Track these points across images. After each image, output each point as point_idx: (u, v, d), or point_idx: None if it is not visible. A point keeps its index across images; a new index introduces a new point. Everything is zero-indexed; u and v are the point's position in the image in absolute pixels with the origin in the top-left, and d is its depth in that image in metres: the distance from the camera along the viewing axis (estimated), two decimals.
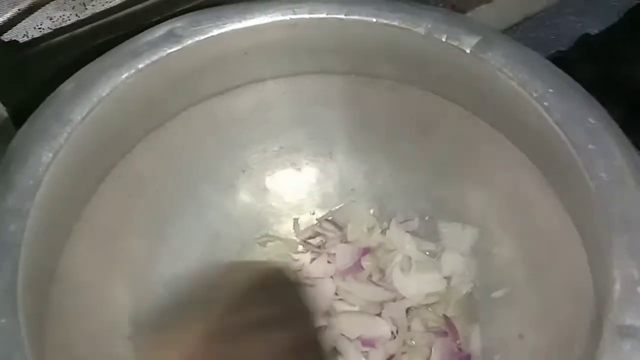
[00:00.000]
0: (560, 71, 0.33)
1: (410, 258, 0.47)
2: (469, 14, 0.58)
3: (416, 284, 0.46)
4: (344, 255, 0.48)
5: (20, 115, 0.35)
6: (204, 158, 0.47)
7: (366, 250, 0.48)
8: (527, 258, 0.42)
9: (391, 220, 0.48)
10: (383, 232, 0.49)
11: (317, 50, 0.41)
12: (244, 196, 0.50)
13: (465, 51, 0.35)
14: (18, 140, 0.32)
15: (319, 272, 0.48)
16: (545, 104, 0.32)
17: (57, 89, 0.34)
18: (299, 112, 0.48)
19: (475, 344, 0.43)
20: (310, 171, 0.51)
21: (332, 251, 0.49)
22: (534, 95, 0.33)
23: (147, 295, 0.42)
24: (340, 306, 0.47)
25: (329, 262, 0.49)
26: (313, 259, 0.49)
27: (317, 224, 0.51)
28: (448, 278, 0.46)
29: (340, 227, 0.50)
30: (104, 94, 0.34)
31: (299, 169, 0.51)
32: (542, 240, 0.41)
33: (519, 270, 0.43)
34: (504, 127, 0.38)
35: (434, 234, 0.48)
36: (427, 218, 0.48)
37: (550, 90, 0.32)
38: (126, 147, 0.40)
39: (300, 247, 0.50)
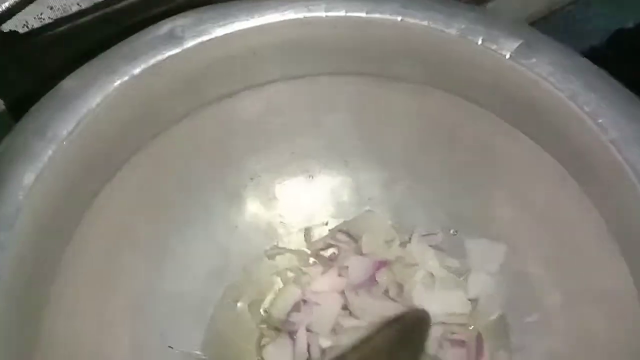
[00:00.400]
0: (614, 81, 0.29)
1: (432, 275, 0.44)
2: (489, 5, 0.54)
3: (440, 303, 0.42)
4: (357, 267, 0.44)
5: (19, 108, 0.32)
6: (208, 166, 0.43)
7: (382, 264, 0.45)
8: (562, 280, 0.38)
9: (412, 232, 0.44)
10: (402, 245, 0.45)
11: (333, 51, 0.37)
12: (252, 206, 0.46)
13: (504, 56, 0.31)
14: None
15: (327, 287, 0.45)
16: (600, 120, 0.28)
17: (38, 103, 0.30)
18: (312, 116, 0.44)
19: None
20: (324, 179, 0.47)
21: (345, 264, 0.45)
22: (586, 109, 0.28)
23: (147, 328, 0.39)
24: (348, 322, 0.43)
25: (340, 275, 0.45)
26: (324, 272, 0.46)
27: (329, 235, 0.47)
28: (475, 300, 0.42)
29: (355, 239, 0.46)
30: (93, 105, 0.30)
31: (311, 177, 0.47)
32: (581, 263, 0.37)
33: (554, 293, 0.39)
34: (544, 140, 0.34)
35: (459, 250, 0.44)
36: (451, 232, 0.44)
37: (604, 105, 0.28)
38: (122, 159, 0.37)
39: (312, 260, 0.47)
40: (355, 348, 0.37)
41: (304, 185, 0.47)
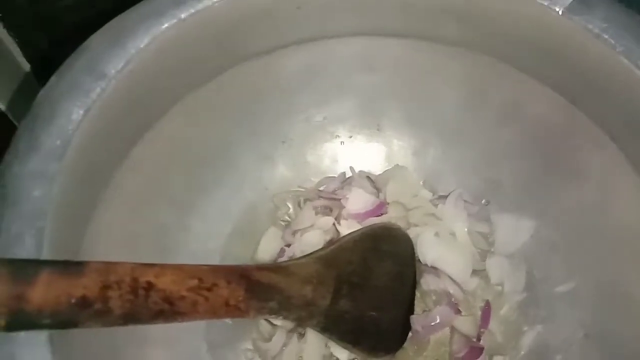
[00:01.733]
0: None
1: (454, 235, 0.43)
2: None
3: (443, 260, 0.41)
4: (357, 199, 0.43)
5: (44, 70, 0.31)
6: (241, 126, 0.43)
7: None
8: (599, 250, 0.38)
9: (448, 195, 0.44)
10: (433, 203, 0.44)
11: (378, 8, 0.37)
12: (283, 169, 0.46)
13: (555, 11, 0.30)
14: (45, 95, 0.28)
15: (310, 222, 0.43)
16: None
17: (88, 40, 0.30)
18: (348, 78, 0.43)
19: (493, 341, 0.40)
20: (355, 145, 0.47)
21: (347, 195, 0.43)
22: None
23: None
24: None
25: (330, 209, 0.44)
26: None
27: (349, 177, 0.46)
28: (499, 284, 0.42)
29: (379, 190, 0.45)
30: (142, 45, 0.30)
31: (343, 142, 0.47)
32: (619, 233, 0.36)
33: (589, 263, 0.38)
34: (589, 104, 0.34)
35: (486, 222, 0.43)
36: (483, 202, 0.44)
37: None
38: (161, 109, 0.36)
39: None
40: (323, 248, 0.38)
41: (335, 151, 0.47)
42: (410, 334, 0.40)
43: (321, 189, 0.46)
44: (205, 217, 0.43)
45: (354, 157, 0.47)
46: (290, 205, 0.46)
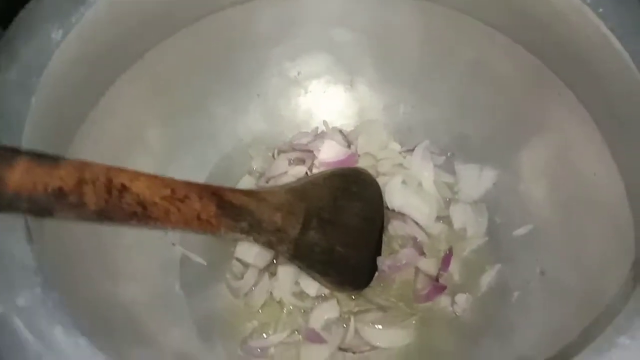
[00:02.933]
0: None
1: (420, 185, 0.44)
2: None
3: (409, 206, 0.43)
4: (329, 149, 0.44)
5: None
6: (218, 76, 0.45)
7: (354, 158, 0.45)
8: (556, 195, 0.40)
9: (416, 146, 0.45)
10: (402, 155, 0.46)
11: None
12: (258, 121, 0.48)
13: None
14: (24, 16, 0.30)
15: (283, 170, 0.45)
16: (600, 10, 0.30)
17: None
18: (324, 33, 0.45)
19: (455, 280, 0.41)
20: (328, 100, 0.48)
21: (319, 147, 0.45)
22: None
23: None
24: None
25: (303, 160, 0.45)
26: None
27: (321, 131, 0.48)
28: (462, 229, 0.43)
29: (350, 142, 0.47)
30: None
31: (316, 97, 0.48)
32: (576, 180, 0.38)
33: (546, 208, 0.41)
34: (558, 62, 0.36)
35: (450, 173, 0.46)
36: (448, 154, 0.46)
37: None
38: (138, 51, 0.38)
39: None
40: (294, 182, 0.40)
41: (308, 105, 0.48)
42: (377, 273, 0.42)
43: (295, 142, 0.47)
44: (182, 166, 0.44)
45: (327, 112, 0.48)
46: (264, 156, 0.47)
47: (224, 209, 0.30)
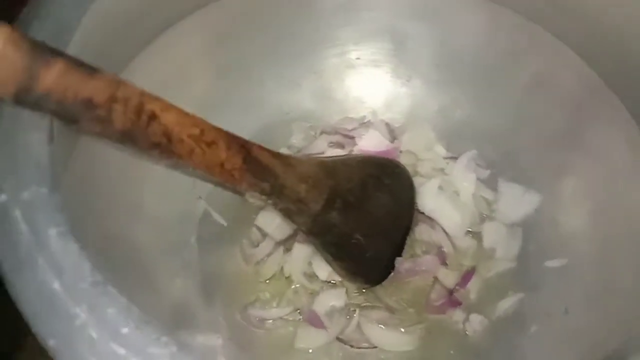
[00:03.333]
0: None
1: (457, 194, 0.43)
2: None
3: (440, 212, 0.41)
4: (371, 139, 0.44)
5: None
6: (276, 45, 0.44)
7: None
8: (598, 232, 0.38)
9: (460, 155, 0.44)
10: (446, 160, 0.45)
11: None
12: (307, 98, 0.47)
13: None
14: None
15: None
16: None
17: None
18: (389, 23, 0.44)
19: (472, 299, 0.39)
20: (383, 90, 0.47)
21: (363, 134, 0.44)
22: None
23: None
24: None
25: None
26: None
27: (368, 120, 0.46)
28: (492, 249, 0.41)
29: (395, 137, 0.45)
30: None
31: (371, 85, 0.47)
32: (622, 214, 0.36)
33: (585, 244, 0.38)
34: (620, 82, 0.34)
35: (492, 189, 0.43)
36: (494, 170, 0.44)
37: None
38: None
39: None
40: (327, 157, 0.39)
41: (361, 92, 0.47)
42: (392, 273, 0.40)
43: (339, 126, 0.47)
44: (221, 125, 0.44)
45: (378, 103, 0.47)
46: (306, 134, 0.46)
47: (249, 164, 0.30)
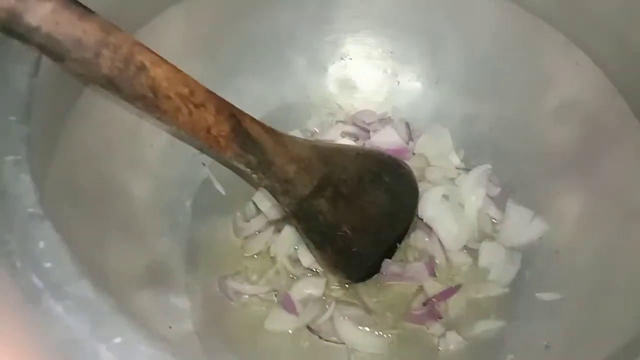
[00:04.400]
0: None
1: (462, 206, 0.41)
2: None
3: (439, 222, 0.40)
4: (386, 135, 0.43)
5: None
6: (309, 24, 0.44)
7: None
8: (598, 271, 0.35)
9: (473, 168, 0.42)
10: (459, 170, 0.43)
11: None
12: (331, 84, 0.46)
13: None
14: None
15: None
16: None
17: None
18: (427, 19, 0.43)
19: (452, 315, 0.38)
20: (409, 89, 0.46)
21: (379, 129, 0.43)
22: None
23: None
24: None
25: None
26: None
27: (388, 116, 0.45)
28: (486, 270, 0.40)
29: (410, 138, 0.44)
30: None
31: (398, 82, 0.46)
32: (628, 260, 0.34)
33: (583, 282, 0.36)
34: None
35: (499, 209, 0.41)
36: (506, 190, 0.42)
37: None
38: None
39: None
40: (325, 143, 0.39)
41: (387, 87, 0.46)
42: (376, 275, 0.39)
43: (357, 118, 0.46)
44: (239, 97, 0.43)
45: (402, 101, 0.46)
46: (323, 120, 0.46)
47: (237, 134, 0.29)
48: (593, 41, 0.35)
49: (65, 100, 0.31)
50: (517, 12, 0.39)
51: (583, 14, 0.35)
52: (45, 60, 0.25)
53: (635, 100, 0.34)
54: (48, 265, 0.18)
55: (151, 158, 0.39)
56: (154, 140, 0.40)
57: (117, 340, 0.17)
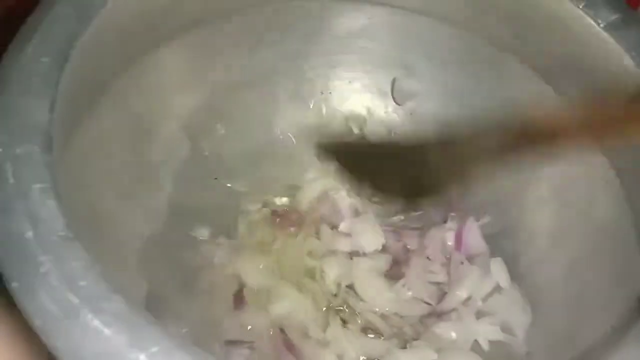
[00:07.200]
0: None
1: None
2: None
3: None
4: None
5: None
6: (286, 60, 0.46)
7: None
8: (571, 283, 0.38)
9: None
10: None
11: None
12: (313, 117, 0.49)
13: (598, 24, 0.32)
14: None
15: None
16: None
17: None
18: (401, 54, 0.46)
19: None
20: (388, 122, 0.49)
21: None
22: None
23: None
24: None
25: None
26: None
27: None
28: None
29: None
30: None
31: (377, 114, 0.49)
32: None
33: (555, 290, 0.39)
34: None
35: None
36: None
37: None
38: None
39: None
40: None
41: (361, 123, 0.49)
42: None
43: None
44: (232, 125, 0.45)
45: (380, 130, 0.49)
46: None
47: None
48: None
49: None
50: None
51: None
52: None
53: None
54: (83, 283, 0.20)
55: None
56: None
57: (155, 349, 0.19)
